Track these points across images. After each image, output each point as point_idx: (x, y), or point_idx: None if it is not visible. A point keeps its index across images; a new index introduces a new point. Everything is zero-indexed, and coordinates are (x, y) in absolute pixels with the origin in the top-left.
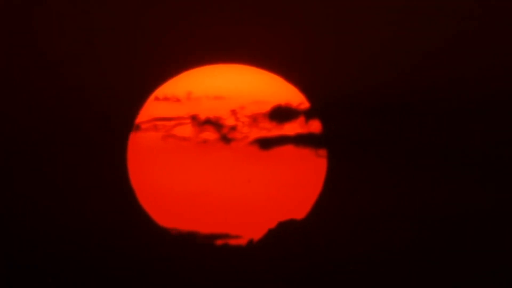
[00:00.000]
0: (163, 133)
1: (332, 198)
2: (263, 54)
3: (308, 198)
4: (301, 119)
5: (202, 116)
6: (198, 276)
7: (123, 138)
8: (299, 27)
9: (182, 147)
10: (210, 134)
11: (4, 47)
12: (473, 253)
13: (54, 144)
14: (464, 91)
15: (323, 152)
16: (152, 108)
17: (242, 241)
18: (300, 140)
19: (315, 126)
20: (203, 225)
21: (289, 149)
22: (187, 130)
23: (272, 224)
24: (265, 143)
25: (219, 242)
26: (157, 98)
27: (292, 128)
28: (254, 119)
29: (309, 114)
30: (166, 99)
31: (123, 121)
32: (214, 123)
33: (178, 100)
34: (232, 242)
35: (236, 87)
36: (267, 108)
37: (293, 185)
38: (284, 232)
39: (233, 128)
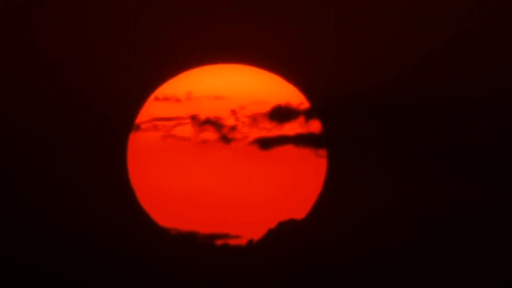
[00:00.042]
0: (163, 133)
1: (332, 198)
2: (263, 54)
3: (308, 198)
4: (301, 119)
5: (202, 116)
6: (198, 276)
7: (123, 138)
8: (299, 27)
9: (182, 147)
10: (210, 134)
11: (4, 47)
12: (473, 253)
13: (54, 144)
14: (464, 91)
15: (323, 152)
16: (152, 108)
17: (242, 241)
18: (300, 140)
19: (315, 126)
20: (203, 225)
21: (289, 149)
22: (187, 130)
23: (272, 224)
24: (265, 143)
25: (219, 242)
26: (157, 98)
27: (292, 128)
28: (254, 119)
29: (309, 114)
30: (166, 99)
31: (123, 121)
32: (214, 123)
33: (178, 100)
34: (232, 242)
35: (236, 87)
36: (267, 108)
37: (293, 185)
38: (284, 232)
39: (233, 128)
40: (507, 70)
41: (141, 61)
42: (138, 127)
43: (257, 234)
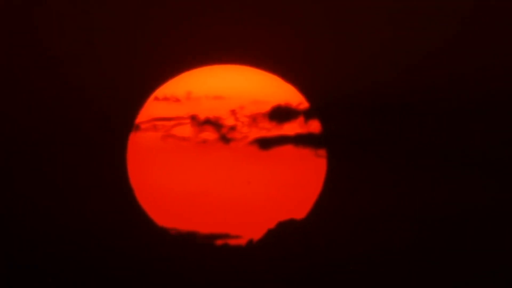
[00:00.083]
0: (163, 133)
1: (332, 198)
2: (263, 54)
3: (308, 198)
4: (301, 119)
5: (202, 116)
6: (198, 276)
7: (123, 138)
8: (298, 27)
9: (181, 147)
10: (209, 134)
11: (4, 47)
12: (473, 253)
13: (54, 144)
14: (464, 91)
15: (322, 152)
16: (151, 108)
17: (242, 241)
18: (300, 140)
19: (315, 126)
20: (203, 225)
21: (288, 149)
22: (186, 130)
23: (272, 224)
24: (265, 143)
25: (219, 242)
26: (156, 98)
27: (292, 128)
28: (254, 119)
29: (308, 114)
30: (165, 99)
31: (123, 121)
32: (213, 123)
33: (177, 100)
34: (232, 242)
35: (235, 87)
36: (266, 108)
37: (292, 185)
38: (284, 232)
39: (233, 128)
40: (507, 70)
41: (141, 61)
42: (137, 127)
43: (257, 234)
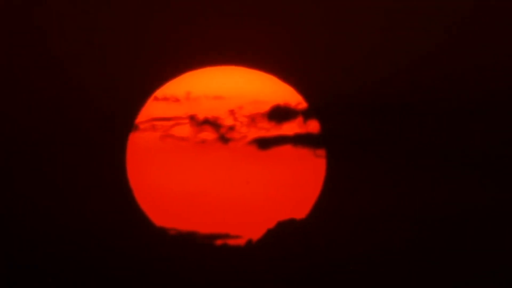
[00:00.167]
0: (162, 133)
1: (332, 198)
2: (262, 55)
3: (307, 198)
4: (300, 119)
5: (201, 116)
6: (198, 276)
7: (123, 138)
8: (297, 28)
9: (180, 147)
10: (208, 134)
11: (4, 47)
12: (473, 253)
13: (54, 144)
14: (464, 91)
15: (321, 152)
16: (150, 108)
17: (241, 241)
18: (299, 140)
19: (314, 126)
20: (203, 225)
21: (287, 149)
22: (185, 130)
23: (271, 224)
24: (264, 143)
25: (219, 242)
26: (156, 98)
27: (291, 128)
28: (253, 119)
29: (307, 114)
30: (165, 99)
31: (123, 121)
32: (212, 123)
33: (177, 100)
34: (232, 242)
35: (234, 88)
36: (265, 108)
37: (292, 185)
38: (284, 232)
39: (232, 128)
40: (507, 70)
41: (142, 62)
42: (136, 127)
43: (256, 234)
